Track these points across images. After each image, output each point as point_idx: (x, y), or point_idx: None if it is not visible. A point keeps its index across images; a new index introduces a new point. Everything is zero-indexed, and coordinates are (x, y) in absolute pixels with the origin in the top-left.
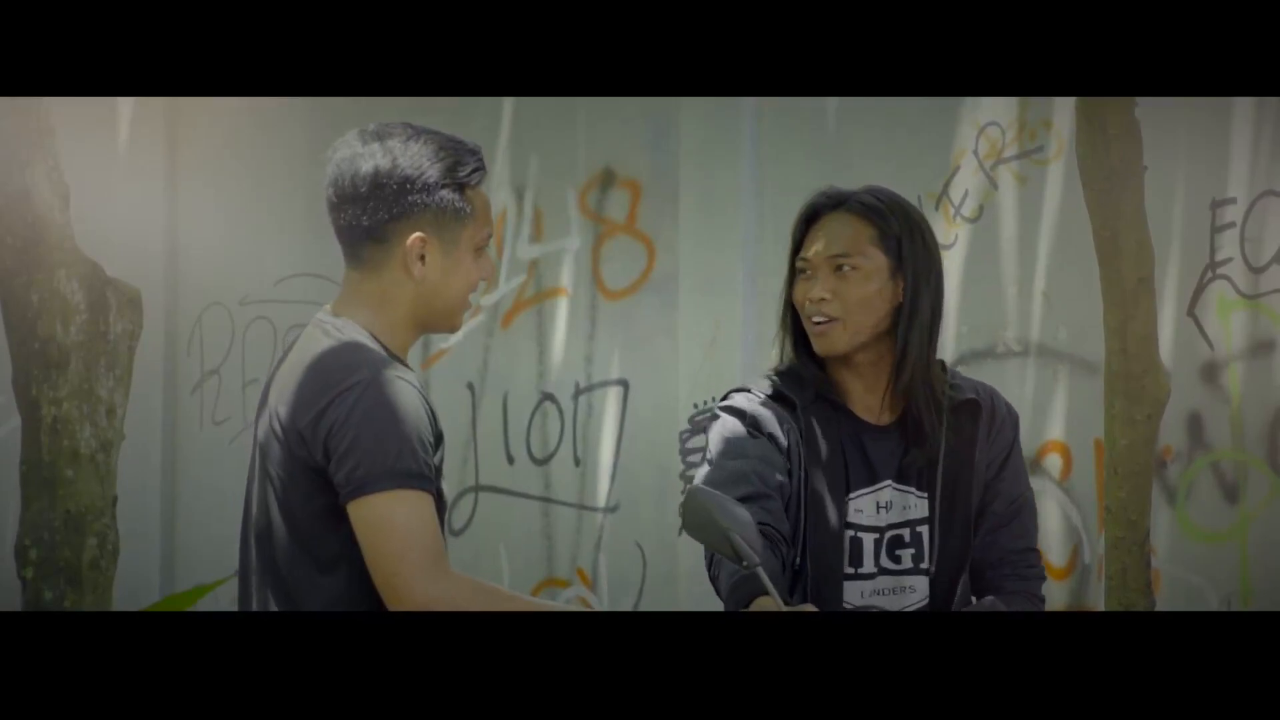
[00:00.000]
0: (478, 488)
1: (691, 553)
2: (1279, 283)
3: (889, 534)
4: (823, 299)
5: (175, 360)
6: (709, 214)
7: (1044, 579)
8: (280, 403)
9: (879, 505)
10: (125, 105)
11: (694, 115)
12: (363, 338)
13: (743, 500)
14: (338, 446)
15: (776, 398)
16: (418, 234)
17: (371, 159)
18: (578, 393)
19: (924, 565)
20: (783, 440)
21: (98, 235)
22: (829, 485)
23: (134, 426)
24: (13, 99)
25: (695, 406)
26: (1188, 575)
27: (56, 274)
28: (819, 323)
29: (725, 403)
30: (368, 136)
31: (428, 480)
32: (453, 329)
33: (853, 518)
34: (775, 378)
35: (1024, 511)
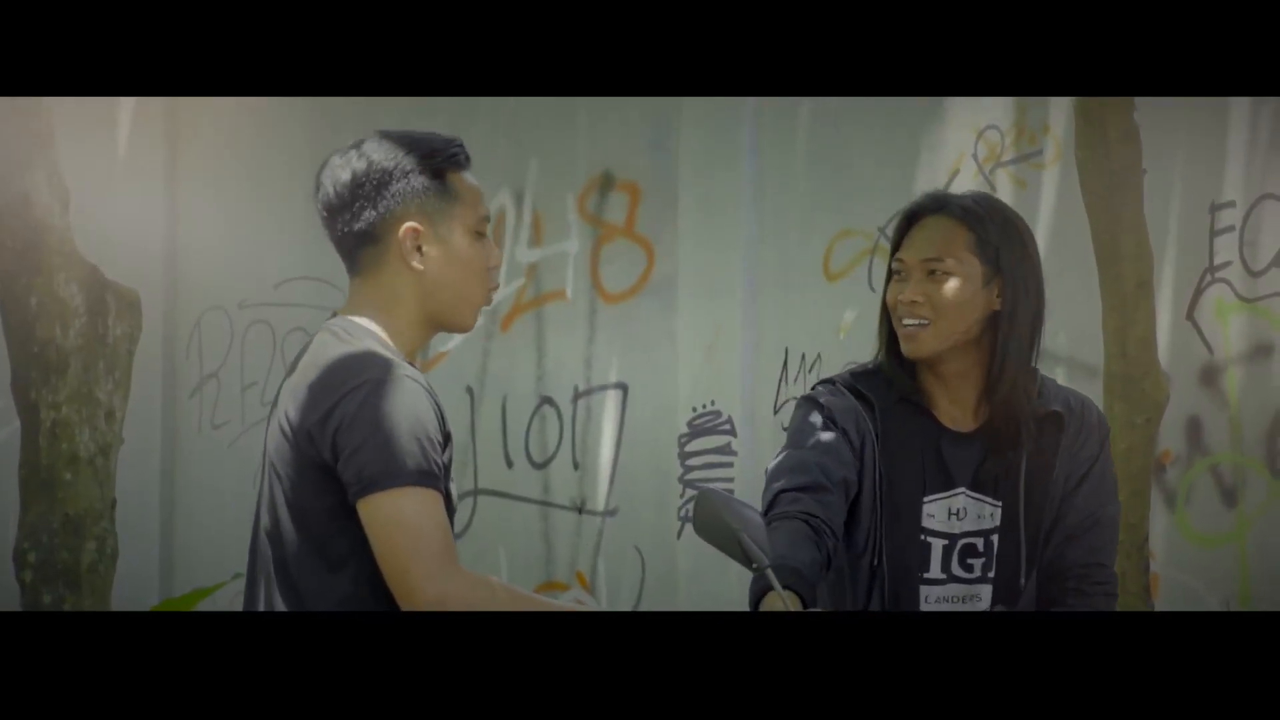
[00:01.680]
0: (477, 491)
1: (690, 556)
2: (1278, 286)
3: (961, 542)
4: (914, 301)
5: (174, 363)
6: (708, 217)
7: (1113, 596)
8: (289, 404)
9: (951, 512)
10: (125, 109)
11: (693, 118)
12: (371, 339)
13: (802, 490)
14: (346, 445)
15: (857, 395)
16: (409, 224)
17: (348, 166)
18: (577, 396)
19: (990, 574)
20: (855, 437)
21: (97, 238)
22: (905, 488)
23: (133, 430)
24: (13, 102)
25: (694, 410)
26: (1187, 579)
27: (56, 277)
28: (909, 325)
29: (807, 393)
30: (345, 150)
31: (436, 478)
32: (463, 326)
33: (925, 522)
34: (861, 375)
35: (1100, 527)
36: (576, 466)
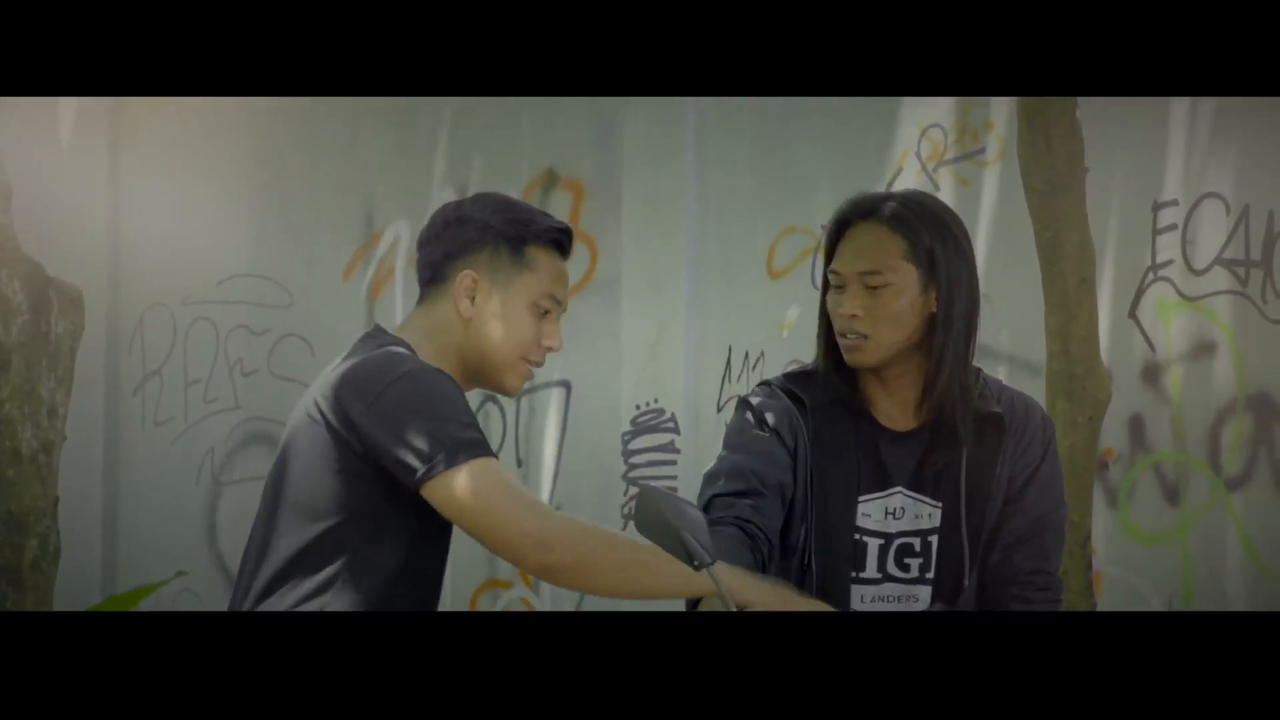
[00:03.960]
0: None
1: None
2: (1219, 285)
3: (898, 541)
4: (854, 315)
5: (117, 360)
6: (652, 216)
7: (1058, 601)
8: (323, 396)
9: (888, 511)
10: (68, 105)
11: (637, 117)
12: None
13: (737, 495)
14: (400, 433)
15: (791, 396)
16: (468, 271)
17: (449, 209)
18: (520, 394)
19: (928, 575)
20: (789, 439)
21: (40, 235)
22: (838, 487)
23: (75, 427)
24: None
25: (637, 408)
26: (1129, 577)
27: None
28: (850, 338)
29: (743, 395)
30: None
31: (486, 445)
32: (502, 388)
33: (860, 521)
34: (796, 375)
35: (1047, 532)
36: (520, 464)
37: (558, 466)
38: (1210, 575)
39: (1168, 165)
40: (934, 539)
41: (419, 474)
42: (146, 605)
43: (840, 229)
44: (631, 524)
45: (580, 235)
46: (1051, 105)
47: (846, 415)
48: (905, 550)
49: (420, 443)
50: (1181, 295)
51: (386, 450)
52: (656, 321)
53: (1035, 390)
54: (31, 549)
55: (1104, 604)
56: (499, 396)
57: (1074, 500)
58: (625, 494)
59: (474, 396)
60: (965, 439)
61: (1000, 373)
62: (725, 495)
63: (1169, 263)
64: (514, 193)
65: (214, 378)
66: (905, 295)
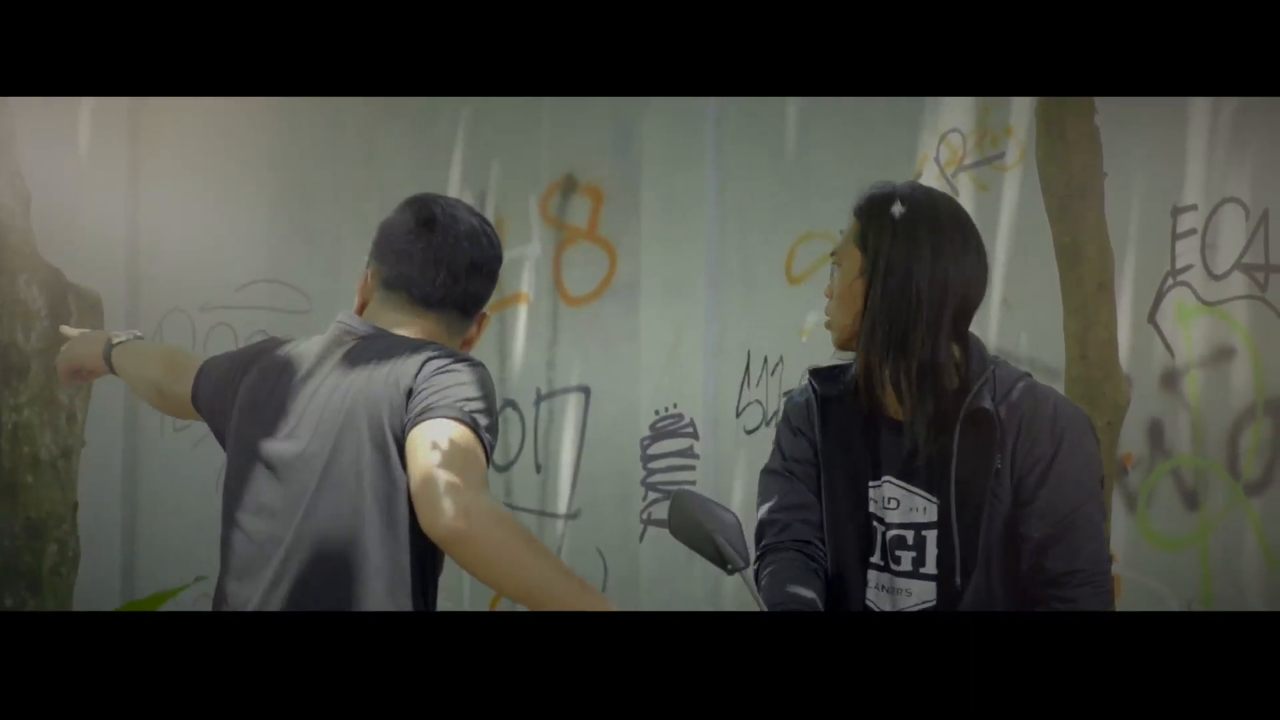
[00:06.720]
0: None
1: (653, 558)
2: (1239, 290)
3: (892, 532)
4: (826, 297)
5: None
6: (670, 220)
7: (1104, 592)
8: (359, 399)
9: (886, 500)
10: (87, 110)
11: (655, 121)
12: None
13: (786, 510)
14: (418, 391)
15: (812, 389)
16: (490, 314)
17: (491, 245)
18: (539, 399)
19: (924, 570)
20: (809, 432)
21: (59, 240)
22: (848, 474)
23: (95, 433)
24: None
25: (656, 413)
26: (1148, 581)
27: (17, 279)
28: (825, 319)
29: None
30: (469, 212)
31: (487, 432)
32: None
33: (870, 507)
34: (823, 368)
35: (1074, 530)
36: (539, 469)
37: (577, 472)
38: (1229, 580)
39: (1187, 170)
40: (928, 534)
41: (410, 420)
42: (165, 610)
43: None
44: (649, 531)
45: (599, 240)
46: (1069, 110)
47: (854, 404)
48: (897, 542)
49: (438, 398)
50: (1201, 300)
51: (411, 400)
52: (675, 326)
53: None
54: (51, 554)
55: (1123, 608)
56: (518, 402)
57: None
58: (644, 499)
59: None
60: (944, 434)
61: None
62: (777, 515)
63: (1188, 268)
64: (533, 198)
65: None
66: (845, 278)
